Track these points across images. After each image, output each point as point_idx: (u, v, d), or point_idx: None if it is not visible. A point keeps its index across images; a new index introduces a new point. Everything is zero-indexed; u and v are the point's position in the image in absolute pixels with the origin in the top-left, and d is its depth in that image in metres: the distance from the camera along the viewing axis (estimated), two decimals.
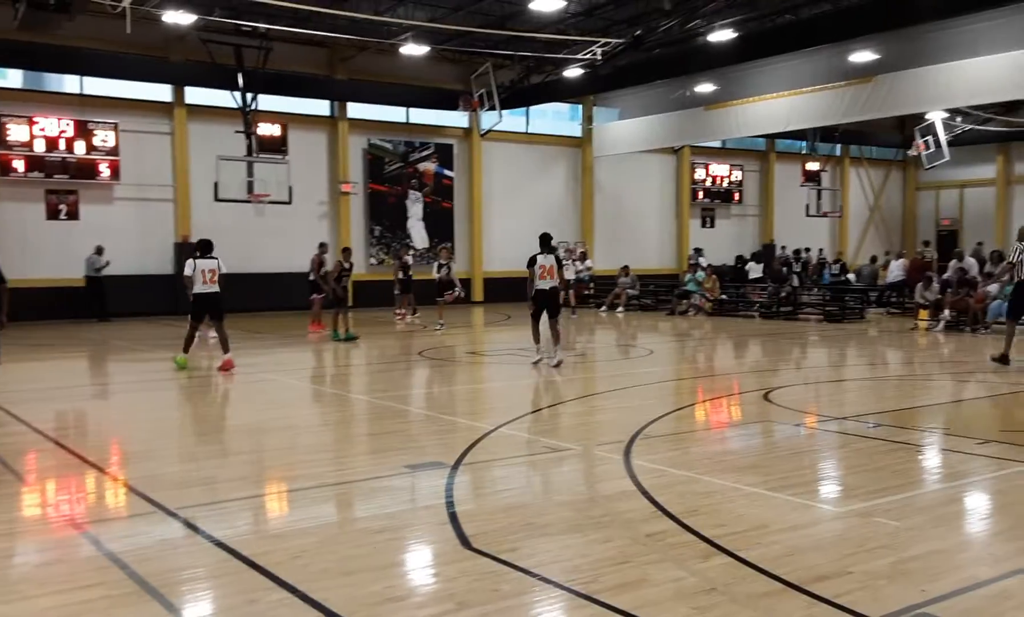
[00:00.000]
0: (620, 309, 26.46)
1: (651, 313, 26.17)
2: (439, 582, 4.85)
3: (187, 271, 13.83)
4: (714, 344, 18.52)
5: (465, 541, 5.38)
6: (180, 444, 8.85)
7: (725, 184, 36.04)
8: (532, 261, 14.02)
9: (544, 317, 14.09)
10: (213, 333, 16.84)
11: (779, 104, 26.39)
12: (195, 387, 13.03)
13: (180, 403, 11.78)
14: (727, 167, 36.01)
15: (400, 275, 23.06)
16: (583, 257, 29.63)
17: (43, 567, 5.12)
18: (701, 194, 35.42)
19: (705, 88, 28.14)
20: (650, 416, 9.40)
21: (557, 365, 13.58)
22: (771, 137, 35.66)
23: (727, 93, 27.94)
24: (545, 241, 14.07)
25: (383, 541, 5.45)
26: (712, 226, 35.99)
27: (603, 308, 26.88)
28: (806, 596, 4.48)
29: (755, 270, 28.47)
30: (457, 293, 21.54)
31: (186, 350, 14.01)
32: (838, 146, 37.93)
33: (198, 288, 13.71)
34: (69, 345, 18.26)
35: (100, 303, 23.21)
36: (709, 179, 35.59)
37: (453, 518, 5.83)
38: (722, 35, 22.36)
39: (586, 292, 28.74)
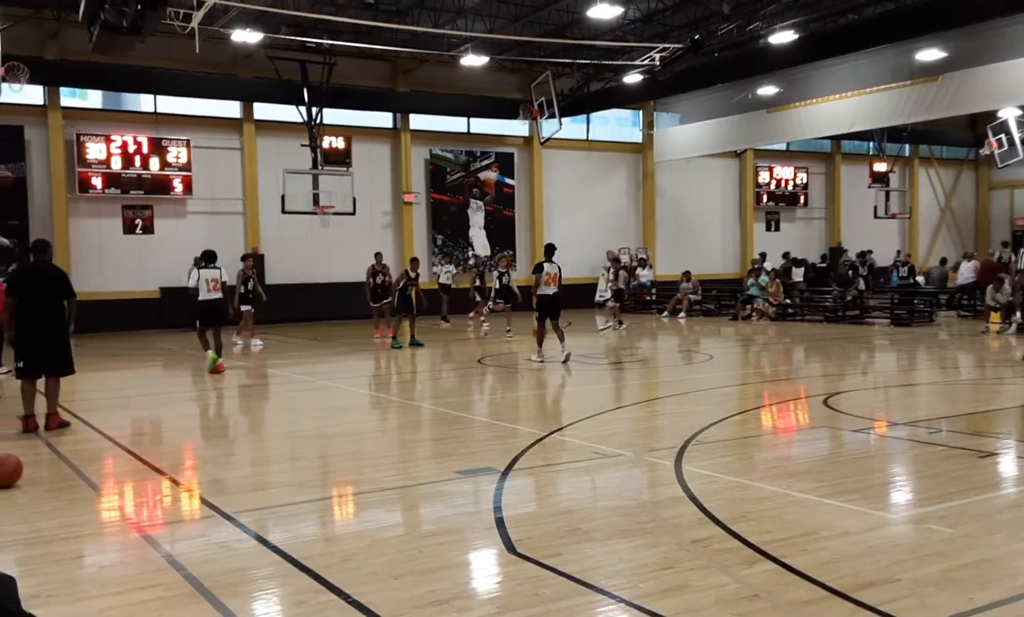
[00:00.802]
0: (682, 314, 26.22)
1: (714, 318, 25.89)
2: (483, 586, 4.89)
3: (191, 282, 15.08)
4: (776, 349, 18.24)
5: (510, 546, 5.41)
6: (240, 450, 9.07)
7: (790, 187, 35.46)
8: (539, 268, 15.37)
9: (547, 322, 15.31)
10: (245, 340, 18.55)
11: (844, 105, 25.88)
12: (258, 395, 13.34)
13: (243, 410, 12.07)
14: (792, 170, 35.43)
15: (477, 283, 23.94)
16: (643, 263, 29.45)
17: (106, 569, 5.31)
18: (765, 197, 34.92)
19: (767, 90, 27.75)
20: (706, 421, 9.30)
21: (566, 360, 14.82)
22: (836, 138, 34.96)
23: (790, 95, 27.51)
24: (550, 251, 15.52)
25: (430, 546, 5.50)
26: (777, 230, 35.43)
27: (665, 313, 26.68)
28: (850, 603, 4.39)
29: (798, 274, 27.98)
30: (511, 303, 21.70)
31: (205, 349, 15.12)
32: (907, 146, 36.97)
33: (203, 296, 14.93)
34: (142, 355, 18.83)
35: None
36: (773, 182, 35.06)
37: (500, 523, 5.86)
38: (783, 37, 22.05)
39: (647, 298, 28.58)
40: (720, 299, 27.31)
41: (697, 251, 32.52)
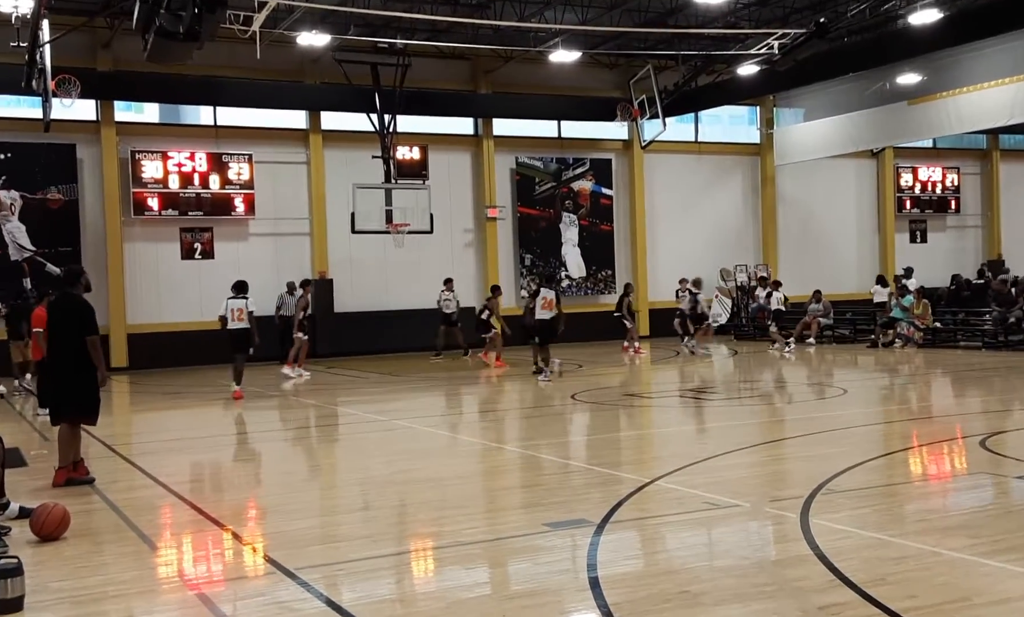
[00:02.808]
0: (810, 341, 25.70)
1: (848, 345, 25.34)
2: None
3: (221, 310, 17.34)
4: (924, 381, 17.78)
5: (607, 611, 5.37)
6: (306, 498, 9.24)
7: (938, 191, 34.51)
8: (536, 293, 18.59)
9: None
10: (294, 370, 20.36)
11: (1000, 93, 25.02)
12: (327, 437, 13.59)
13: (309, 454, 12.32)
14: (940, 170, 34.48)
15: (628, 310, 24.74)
16: (763, 282, 28.95)
17: None
18: (909, 203, 34.06)
19: (908, 79, 27.07)
20: (838, 467, 9.10)
21: (547, 379, 17.71)
22: (993, 132, 33.82)
23: (935, 83, 26.74)
24: (549, 277, 19.47)
25: (515, 609, 5.50)
26: (923, 241, 34.48)
27: (790, 341, 26.18)
28: None
29: (880, 294, 27.18)
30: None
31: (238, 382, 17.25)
32: None
33: (230, 325, 17.13)
34: (201, 393, 19.41)
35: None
36: (918, 185, 34.18)
37: (595, 584, 5.82)
38: (926, 16, 21.53)
39: (768, 323, 28.13)
40: (856, 323, 26.71)
41: (827, 267, 31.81)
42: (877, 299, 27.42)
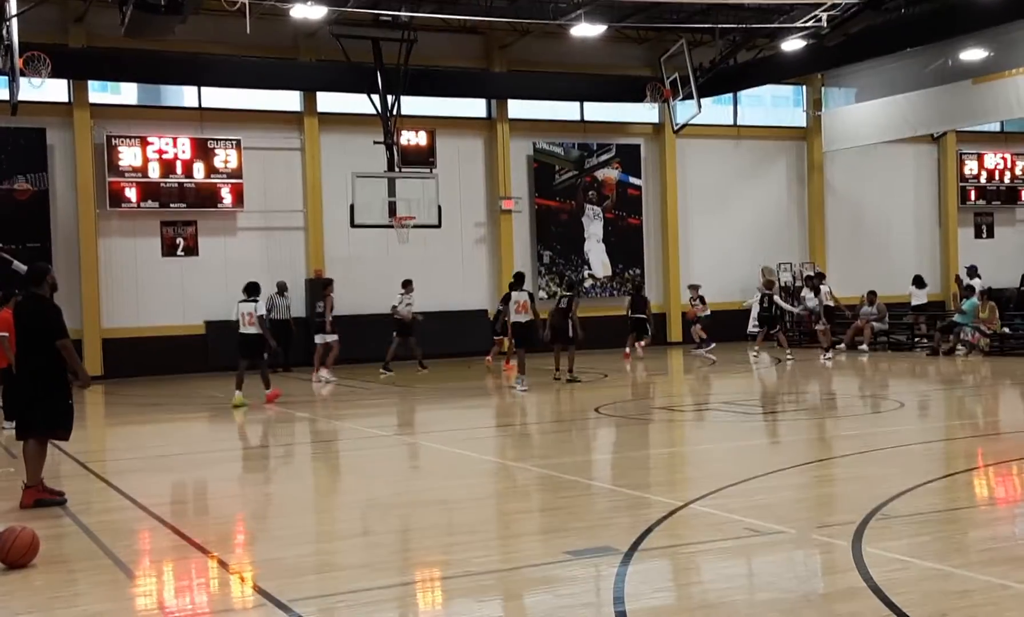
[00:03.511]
0: (863, 348, 25.62)
1: (905, 353, 25.28)
2: None
3: (233, 314, 18.22)
4: (990, 393, 17.70)
5: None
6: (301, 522, 9.26)
7: (1006, 180, 34.35)
8: (506, 298, 20.04)
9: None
10: (321, 376, 21.36)
11: None
12: (323, 453, 13.62)
13: (302, 473, 12.35)
14: (1008, 157, 34.31)
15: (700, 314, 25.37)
16: (810, 281, 28.82)
17: None
18: (974, 194, 33.95)
19: (973, 55, 26.96)
20: (894, 489, 9.08)
21: (524, 388, 18.38)
22: None
23: (1004, 60, 26.62)
24: (518, 279, 19.67)
25: None
26: (990, 236, 34.35)
27: (839, 347, 26.10)
28: None
29: (918, 296, 27.08)
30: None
31: (238, 386, 17.73)
32: None
33: (241, 329, 17.88)
34: (184, 404, 19.49)
35: (284, 352, 24.28)
36: (984, 174, 34.05)
37: None
38: None
39: (817, 327, 28.04)
40: (914, 328, 26.58)
41: (881, 265, 31.67)
42: (915, 302, 27.35)
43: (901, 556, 6.93)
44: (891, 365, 22.94)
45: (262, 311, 18.05)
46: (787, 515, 8.38)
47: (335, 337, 21.78)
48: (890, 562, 6.78)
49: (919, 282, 28.10)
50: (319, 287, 24.74)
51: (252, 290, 18.16)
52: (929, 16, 24.16)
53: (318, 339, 22.07)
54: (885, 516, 8.11)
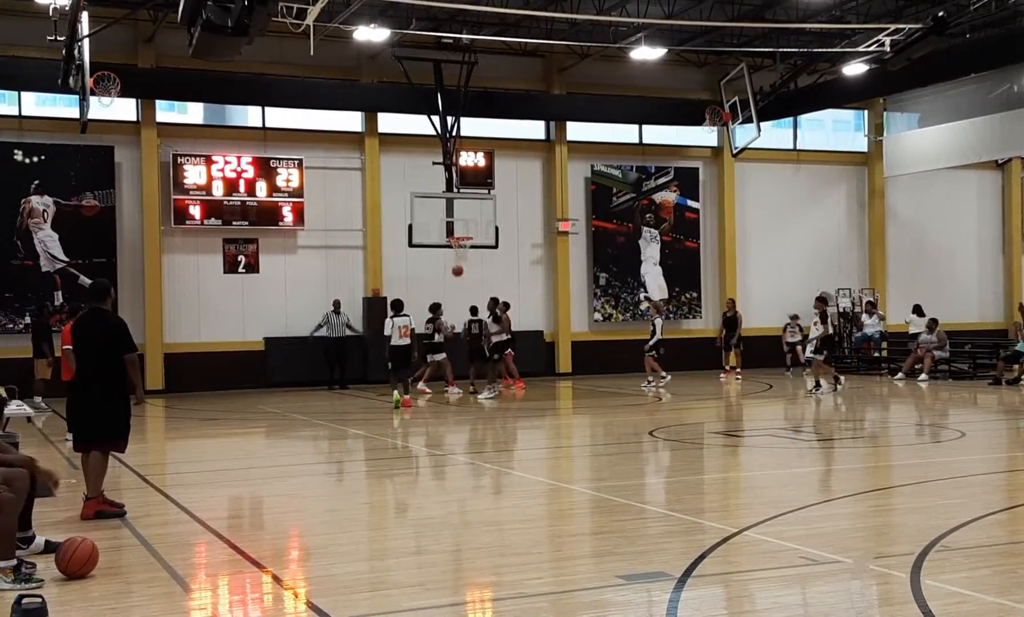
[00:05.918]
0: (923, 376, 25.21)
1: (967, 382, 24.84)
2: None
3: (387, 330, 20.40)
4: None
5: None
6: (352, 539, 9.28)
7: None
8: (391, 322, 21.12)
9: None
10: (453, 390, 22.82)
11: None
12: (377, 472, 13.66)
13: (357, 490, 12.40)
14: None
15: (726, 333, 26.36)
16: (870, 308, 28.51)
17: None
18: None
19: None
20: (955, 521, 8.93)
21: (491, 395, 20.73)
22: None
23: None
24: (397, 306, 20.96)
25: None
26: None
27: (899, 375, 25.74)
28: None
29: (917, 324, 26.43)
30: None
31: (393, 389, 19.87)
32: None
33: (395, 342, 20.14)
34: (243, 420, 19.69)
35: (341, 369, 24.89)
36: None
37: None
38: None
39: (876, 354, 27.70)
40: (976, 357, 26.16)
41: (943, 293, 31.17)
42: (913, 330, 26.78)
43: (961, 589, 6.82)
44: (951, 394, 22.58)
45: (414, 324, 20.60)
46: (844, 545, 8.26)
47: (443, 355, 22.95)
48: (949, 595, 6.68)
49: (918, 311, 27.54)
50: (376, 305, 25.00)
51: (400, 306, 20.68)
52: (994, 41, 23.88)
53: (429, 358, 23.04)
54: (945, 548, 7.99)
